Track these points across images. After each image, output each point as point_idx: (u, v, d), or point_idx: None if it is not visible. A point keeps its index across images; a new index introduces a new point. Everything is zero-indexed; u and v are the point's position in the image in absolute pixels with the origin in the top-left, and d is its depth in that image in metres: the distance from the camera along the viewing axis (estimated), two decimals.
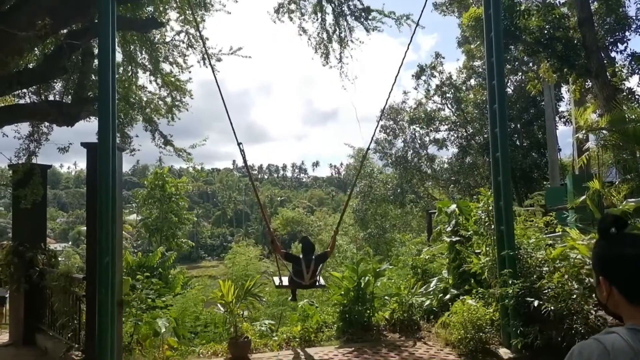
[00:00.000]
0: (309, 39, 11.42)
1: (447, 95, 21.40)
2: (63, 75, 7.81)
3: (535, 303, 5.51)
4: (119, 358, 5.77)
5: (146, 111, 9.10)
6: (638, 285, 1.37)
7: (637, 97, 10.54)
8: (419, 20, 7.17)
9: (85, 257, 6.70)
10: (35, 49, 7.61)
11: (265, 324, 8.12)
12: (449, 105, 21.66)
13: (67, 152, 8.10)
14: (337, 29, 11.22)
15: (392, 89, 8.07)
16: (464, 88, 21.51)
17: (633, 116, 8.13)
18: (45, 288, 7.60)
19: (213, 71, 6.55)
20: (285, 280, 7.29)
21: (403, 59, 7.57)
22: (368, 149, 9.23)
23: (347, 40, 11.26)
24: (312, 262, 6.89)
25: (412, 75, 22.11)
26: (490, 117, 6.44)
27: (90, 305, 5.89)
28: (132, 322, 6.99)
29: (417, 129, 22.57)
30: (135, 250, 24.87)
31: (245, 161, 6.71)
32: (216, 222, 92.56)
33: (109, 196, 5.20)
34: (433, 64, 21.53)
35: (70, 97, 8.34)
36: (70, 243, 61.51)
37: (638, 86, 10.83)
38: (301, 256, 7.01)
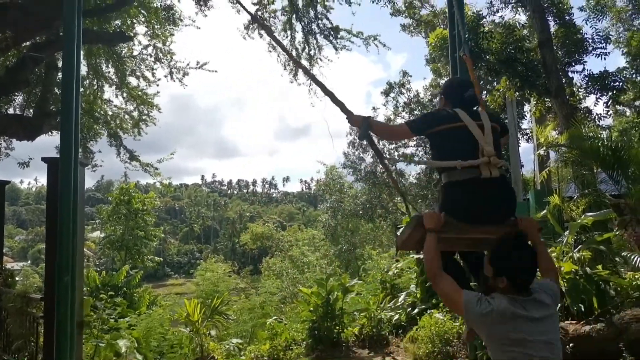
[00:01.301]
0: (278, 56, 11.53)
1: (415, 112, 21.84)
2: (25, 88, 7.61)
3: None
4: None
5: (111, 125, 8.93)
6: (518, 278, 2.28)
7: (594, 115, 11.01)
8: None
9: (44, 276, 6.44)
10: None
11: (232, 343, 7.96)
12: None
13: (27, 167, 7.86)
14: (307, 46, 11.38)
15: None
16: (431, 105, 22.00)
17: (591, 133, 8.48)
18: (0, 309, 7.25)
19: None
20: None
21: None
22: None
23: (316, 58, 11.44)
24: (482, 114, 2.93)
25: (381, 92, 22.53)
26: None
27: (49, 327, 5.64)
28: (93, 343, 6.73)
29: (386, 144, 22.90)
30: (99, 269, 24.06)
31: (269, 33, 4.08)
32: (184, 238, 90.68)
33: (70, 212, 5.03)
34: (401, 82, 22.01)
35: (32, 110, 8.11)
36: (29, 262, 59.02)
37: (594, 105, 11.38)
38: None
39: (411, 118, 3.43)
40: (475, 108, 3.00)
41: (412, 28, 18.12)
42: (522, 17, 12.25)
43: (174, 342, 9.47)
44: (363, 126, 3.10)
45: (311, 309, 7.86)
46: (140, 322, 9.60)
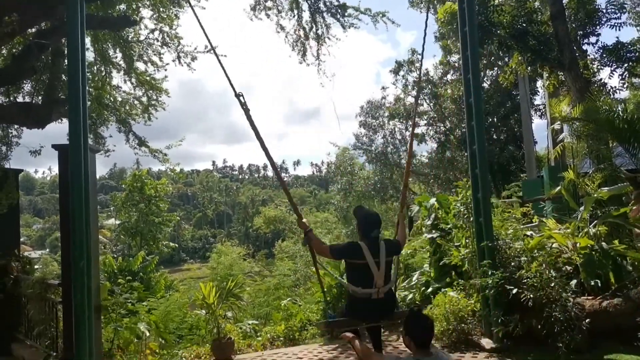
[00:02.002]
0: (286, 37, 11.39)
1: (425, 90, 21.57)
2: (32, 76, 7.61)
3: (514, 290, 5.58)
4: None
5: (120, 111, 8.94)
6: (418, 338, 3.20)
7: (608, 88, 10.74)
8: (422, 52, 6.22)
9: (61, 262, 6.55)
10: (3, 49, 7.40)
11: (248, 324, 8.06)
12: (427, 101, 21.85)
13: (39, 155, 7.93)
14: (314, 25, 11.21)
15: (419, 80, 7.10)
16: (441, 83, 21.70)
17: (606, 107, 8.29)
18: (20, 296, 7.39)
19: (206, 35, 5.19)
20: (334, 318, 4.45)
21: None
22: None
23: (324, 37, 11.27)
24: (381, 248, 4.15)
25: (390, 71, 22.25)
26: (467, 110, 6.49)
27: (67, 312, 5.75)
28: (113, 327, 6.85)
29: (397, 124, 22.74)
30: (115, 255, 24.47)
31: (249, 116, 4.77)
32: (197, 224, 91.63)
33: (82, 198, 5.08)
34: (410, 60, 21.69)
35: (40, 98, 8.14)
36: (48, 250, 60.12)
37: (609, 78, 11.09)
38: (360, 241, 4.22)
39: (336, 244, 4.34)
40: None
41: (420, 3, 17.77)
42: None
43: (193, 325, 9.64)
44: (305, 237, 4.47)
45: (325, 289, 7.89)
46: (159, 305, 9.78)
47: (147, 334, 6.96)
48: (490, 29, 10.69)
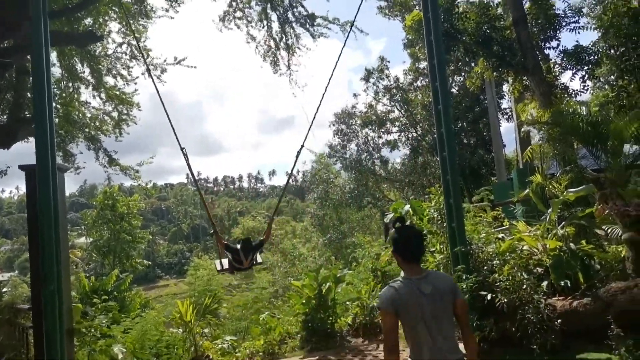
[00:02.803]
0: (257, 47, 11.44)
1: (396, 97, 21.85)
2: None
3: (489, 296, 5.67)
4: None
5: (90, 127, 8.77)
6: (405, 252, 2.83)
7: (570, 91, 11.11)
8: (353, 21, 7.02)
9: (31, 285, 6.34)
10: None
11: (226, 340, 7.94)
12: (398, 107, 22.13)
13: (5, 175, 7.70)
14: (284, 36, 11.29)
15: (325, 91, 7.51)
16: (411, 89, 22.01)
17: (570, 110, 8.56)
18: None
19: (153, 80, 6.29)
20: (226, 264, 7.85)
21: (337, 61, 7.93)
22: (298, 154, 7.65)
23: (295, 47, 11.36)
24: (250, 252, 7.59)
25: (361, 79, 22.46)
26: (436, 117, 6.61)
27: (38, 337, 5.57)
28: (86, 351, 6.66)
29: (369, 132, 22.91)
30: (88, 274, 23.73)
31: (189, 164, 6.98)
32: (172, 238, 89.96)
33: (51, 220, 4.95)
34: (380, 67, 21.96)
35: (5, 117, 7.92)
36: (17, 272, 58.06)
37: (570, 81, 11.57)
38: (239, 247, 7.54)
39: (230, 244, 7.87)
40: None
41: (387, 10, 18.06)
42: None
43: (171, 343, 9.42)
44: (214, 234, 7.85)
45: (304, 301, 7.87)
46: (135, 325, 9.54)
47: (122, 356, 6.79)
48: (455, 35, 10.96)
